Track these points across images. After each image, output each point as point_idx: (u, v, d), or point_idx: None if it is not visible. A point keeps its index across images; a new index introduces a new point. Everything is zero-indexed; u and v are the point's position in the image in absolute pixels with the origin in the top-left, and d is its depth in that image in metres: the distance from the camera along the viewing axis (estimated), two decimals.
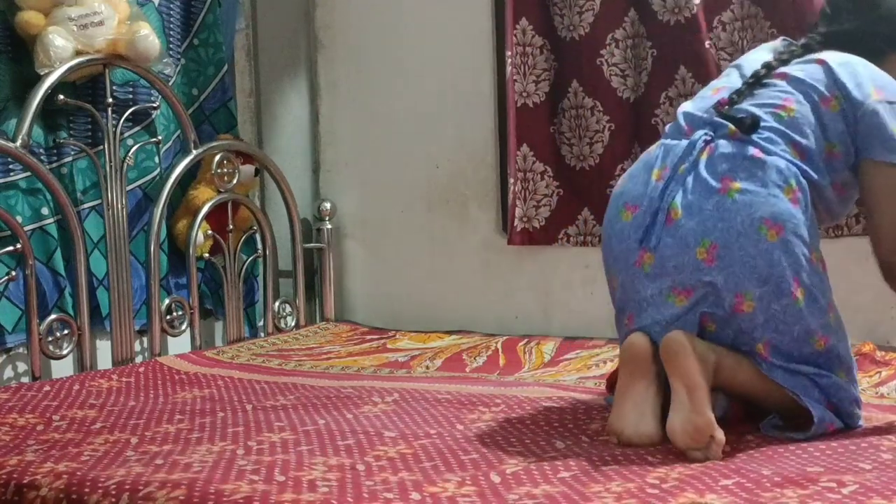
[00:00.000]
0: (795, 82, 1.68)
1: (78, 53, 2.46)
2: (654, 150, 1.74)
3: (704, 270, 1.57)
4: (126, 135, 2.64)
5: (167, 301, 2.70)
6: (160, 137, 2.74)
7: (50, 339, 2.41)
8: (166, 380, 2.32)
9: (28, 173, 2.42)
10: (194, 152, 2.78)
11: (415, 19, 3.14)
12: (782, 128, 1.63)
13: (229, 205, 2.88)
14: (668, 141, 1.73)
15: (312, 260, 3.25)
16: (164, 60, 2.71)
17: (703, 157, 1.64)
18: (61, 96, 2.47)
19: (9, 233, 2.35)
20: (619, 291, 1.71)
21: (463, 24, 3.04)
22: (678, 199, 1.61)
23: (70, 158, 2.54)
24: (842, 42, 1.74)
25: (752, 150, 1.61)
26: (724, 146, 1.64)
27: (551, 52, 2.83)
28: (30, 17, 2.41)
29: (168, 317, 2.71)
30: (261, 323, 3.05)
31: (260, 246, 3.02)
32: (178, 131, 2.81)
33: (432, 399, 2.00)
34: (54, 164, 2.51)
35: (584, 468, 1.45)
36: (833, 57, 1.69)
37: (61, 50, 2.41)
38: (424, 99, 3.13)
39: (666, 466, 1.44)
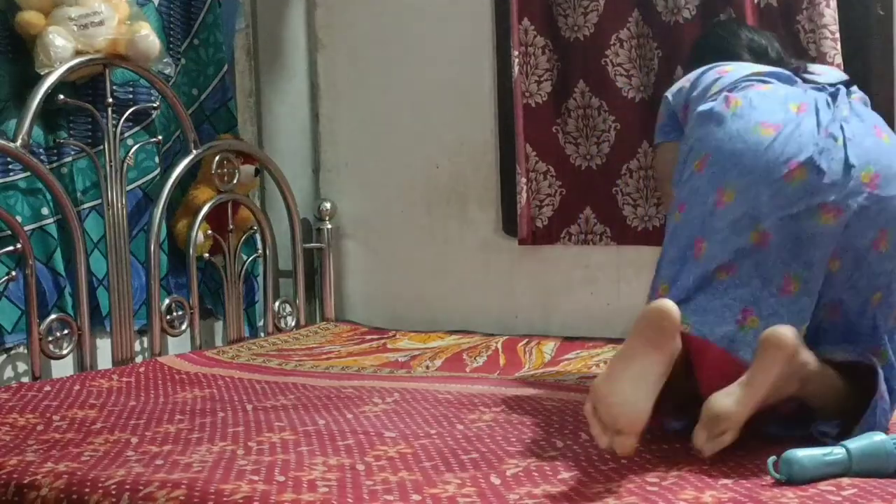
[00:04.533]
0: None
1: (78, 53, 2.46)
2: (774, 88, 1.72)
3: (864, 193, 1.54)
4: (126, 135, 2.64)
5: (167, 301, 2.70)
6: (160, 137, 2.74)
7: (50, 339, 2.41)
8: (166, 380, 2.32)
9: (28, 173, 2.42)
10: (194, 152, 2.78)
11: (415, 19, 3.14)
12: None
13: (229, 205, 2.88)
14: (794, 87, 1.74)
15: (312, 260, 3.25)
16: (164, 60, 2.70)
17: (849, 104, 1.68)
18: (61, 96, 2.47)
19: (9, 233, 2.35)
20: (731, 206, 1.58)
21: (463, 24, 3.04)
22: (836, 127, 1.59)
23: (70, 158, 2.54)
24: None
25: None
26: (855, 102, 1.71)
27: (553, 52, 2.83)
28: (30, 17, 2.41)
29: (168, 317, 2.71)
30: (261, 323, 3.05)
31: (260, 246, 3.02)
32: (178, 131, 2.81)
33: (432, 399, 2.00)
34: (54, 164, 2.51)
35: (584, 468, 1.45)
36: None
37: (61, 50, 2.41)
38: (424, 99, 3.13)
39: (665, 465, 1.44)
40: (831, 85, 1.76)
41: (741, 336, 1.51)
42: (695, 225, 1.61)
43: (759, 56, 1.94)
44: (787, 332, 1.44)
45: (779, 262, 1.54)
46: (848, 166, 1.55)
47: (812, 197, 1.54)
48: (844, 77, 1.85)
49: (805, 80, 1.79)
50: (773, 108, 1.65)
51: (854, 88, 1.78)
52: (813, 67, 1.88)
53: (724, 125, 1.65)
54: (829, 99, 1.68)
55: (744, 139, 1.61)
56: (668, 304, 1.45)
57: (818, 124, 1.60)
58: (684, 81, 1.90)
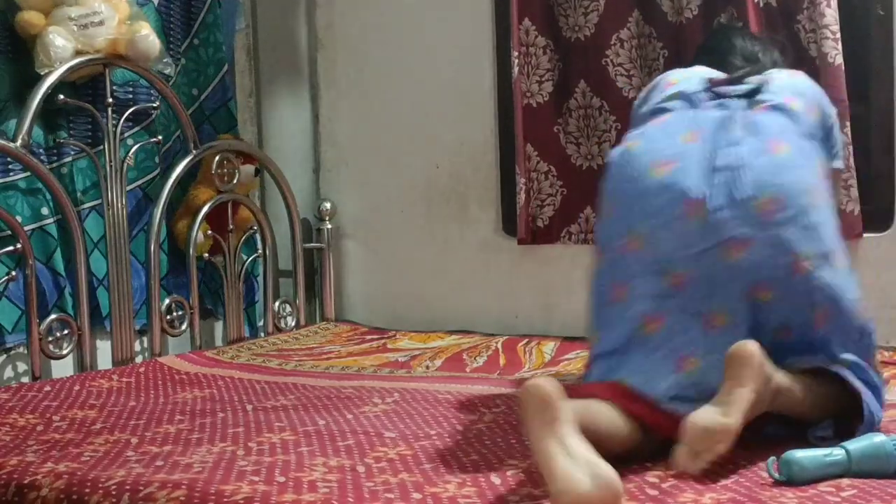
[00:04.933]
0: None
1: (78, 53, 2.46)
2: (672, 118, 1.73)
3: (763, 222, 1.53)
4: (126, 135, 2.64)
5: (167, 301, 2.70)
6: (160, 137, 2.74)
7: (50, 339, 2.41)
8: (166, 380, 2.32)
9: (28, 173, 2.42)
10: (194, 152, 2.78)
11: (415, 19, 3.14)
12: None
13: (229, 205, 2.88)
14: (683, 111, 1.74)
15: (312, 260, 3.25)
16: (164, 60, 2.70)
17: (746, 118, 1.66)
18: (61, 96, 2.47)
19: (9, 233, 2.35)
20: (641, 253, 1.59)
21: (463, 24, 3.04)
22: (729, 155, 1.58)
23: (70, 158, 2.54)
24: None
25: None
26: (756, 113, 1.67)
27: (555, 52, 2.83)
28: (30, 17, 2.41)
29: (168, 317, 2.71)
30: (261, 323, 3.05)
31: (260, 246, 3.02)
32: (178, 131, 2.81)
33: (432, 399, 2.00)
34: (54, 164, 2.51)
35: None
36: None
37: (61, 50, 2.41)
38: (424, 99, 3.13)
39: (665, 466, 1.43)
40: (741, 96, 1.73)
41: (685, 381, 1.50)
42: (613, 271, 1.63)
43: (752, 63, 1.90)
44: (748, 345, 1.43)
45: (699, 301, 1.53)
46: (743, 199, 1.54)
47: (715, 234, 1.54)
48: (759, 83, 1.78)
49: (718, 95, 1.75)
50: (666, 142, 1.66)
51: (762, 95, 1.73)
52: (752, 79, 1.79)
53: (624, 169, 1.67)
54: (728, 117, 1.67)
55: (642, 182, 1.62)
56: (545, 388, 1.32)
57: (713, 151, 1.59)
58: (644, 90, 1.92)
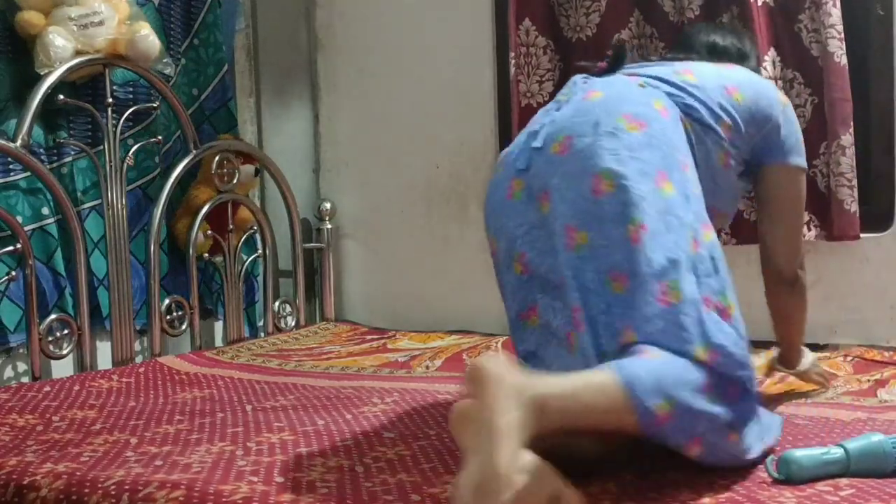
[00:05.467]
0: None
1: (78, 53, 2.46)
2: (539, 115, 1.65)
3: (561, 160, 1.48)
4: (126, 135, 2.64)
5: (167, 301, 2.70)
6: (160, 137, 2.74)
7: (50, 339, 2.41)
8: (166, 380, 2.32)
9: (28, 173, 2.42)
10: (194, 152, 2.78)
11: (415, 19, 3.14)
12: None
13: (229, 205, 2.88)
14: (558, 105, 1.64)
15: (312, 260, 3.25)
16: (164, 60, 2.70)
17: (581, 91, 1.61)
18: (61, 96, 2.47)
19: (9, 233, 2.35)
20: (497, 252, 1.56)
21: (463, 24, 3.04)
22: (543, 119, 1.57)
23: (70, 158, 2.54)
24: None
25: None
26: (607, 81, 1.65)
27: (555, 52, 2.83)
28: (30, 17, 2.41)
29: (168, 317, 2.71)
30: (261, 323, 3.05)
31: (260, 246, 3.02)
32: (178, 131, 2.81)
33: (432, 399, 2.00)
34: (54, 164, 2.51)
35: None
36: None
37: (61, 50, 2.41)
38: (424, 99, 3.13)
39: (664, 466, 1.43)
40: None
41: (580, 359, 1.36)
42: (499, 280, 1.57)
43: (719, 56, 1.80)
44: (486, 362, 1.20)
45: (545, 271, 1.45)
46: (538, 147, 1.49)
47: (529, 196, 1.48)
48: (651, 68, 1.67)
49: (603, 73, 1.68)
50: (517, 141, 1.60)
51: (631, 67, 1.66)
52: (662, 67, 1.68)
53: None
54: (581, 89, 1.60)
55: (493, 188, 1.59)
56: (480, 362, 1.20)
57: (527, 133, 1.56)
58: None
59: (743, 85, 1.67)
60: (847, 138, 2.41)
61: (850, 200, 2.42)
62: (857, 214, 2.43)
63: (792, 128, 1.73)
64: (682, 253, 1.38)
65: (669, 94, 1.57)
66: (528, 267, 1.48)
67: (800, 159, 1.74)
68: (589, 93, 1.56)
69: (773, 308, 1.81)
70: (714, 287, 1.39)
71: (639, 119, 1.48)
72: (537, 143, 1.50)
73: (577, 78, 1.68)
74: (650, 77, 1.62)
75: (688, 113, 1.57)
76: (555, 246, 1.43)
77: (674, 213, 1.41)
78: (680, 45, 1.89)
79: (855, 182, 2.42)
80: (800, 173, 1.75)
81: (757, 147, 1.68)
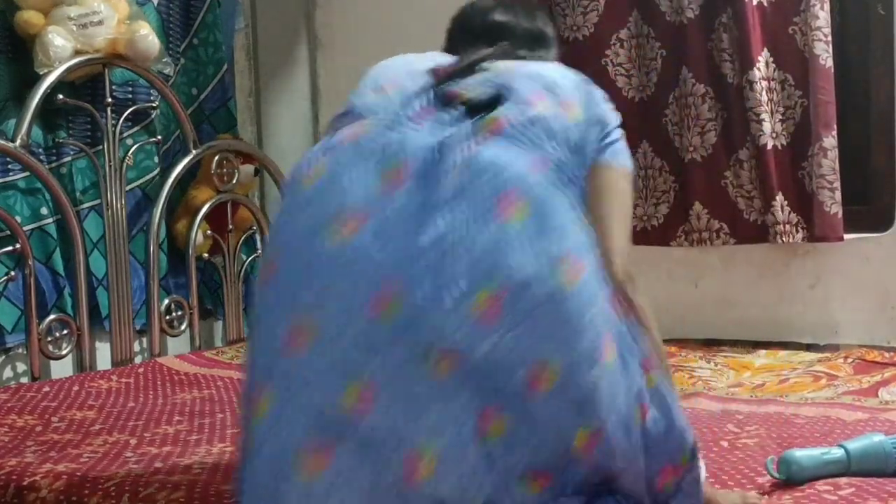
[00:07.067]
0: None
1: (77, 53, 2.46)
2: (356, 137, 1.30)
3: (483, 329, 1.10)
4: (125, 135, 2.64)
5: (166, 301, 2.70)
6: (160, 137, 2.74)
7: (49, 339, 2.40)
8: (165, 380, 2.32)
9: (27, 173, 2.42)
10: (194, 152, 2.77)
11: (415, 19, 3.13)
12: None
13: (229, 205, 2.88)
14: (379, 130, 1.29)
15: None
16: (164, 60, 2.70)
17: (463, 162, 1.18)
18: (61, 96, 2.46)
19: (8, 233, 2.35)
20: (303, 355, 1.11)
21: None
22: (436, 226, 1.13)
23: (69, 158, 2.54)
24: None
25: None
26: (487, 142, 1.20)
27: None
28: (29, 17, 2.41)
29: (167, 317, 2.71)
30: None
31: (259, 246, 3.01)
32: (178, 131, 2.81)
33: None
34: (53, 164, 2.51)
35: None
36: None
37: (61, 49, 2.41)
38: None
39: None
40: (471, 109, 1.27)
41: None
42: (252, 377, 1.20)
43: (497, 38, 1.49)
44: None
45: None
46: (457, 297, 1.09)
47: (416, 340, 1.09)
48: (494, 90, 1.30)
49: (447, 101, 1.29)
50: (356, 179, 1.19)
51: (498, 111, 1.25)
52: (489, 73, 1.35)
53: (294, 214, 1.23)
54: (438, 152, 1.19)
55: (314, 244, 1.16)
56: None
57: (419, 215, 1.14)
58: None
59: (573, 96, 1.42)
60: (830, 140, 2.40)
61: (830, 202, 2.40)
62: (840, 216, 2.42)
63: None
64: None
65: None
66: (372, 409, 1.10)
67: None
68: (503, 206, 1.14)
69: None
70: None
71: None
72: (461, 286, 1.10)
73: (456, 123, 1.25)
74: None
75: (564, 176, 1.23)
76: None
77: None
78: (500, 34, 1.52)
79: (837, 185, 2.41)
80: None
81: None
